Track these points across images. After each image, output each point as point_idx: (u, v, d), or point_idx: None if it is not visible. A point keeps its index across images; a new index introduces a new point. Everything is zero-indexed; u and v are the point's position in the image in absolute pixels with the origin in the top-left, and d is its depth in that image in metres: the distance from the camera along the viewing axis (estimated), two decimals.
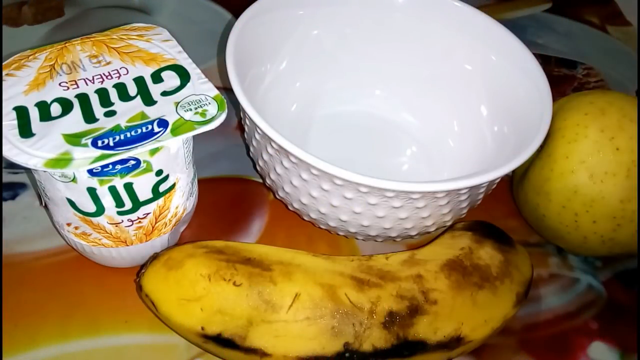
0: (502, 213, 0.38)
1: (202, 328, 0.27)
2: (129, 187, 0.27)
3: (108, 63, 0.29)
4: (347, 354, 0.27)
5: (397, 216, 0.30)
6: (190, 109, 0.27)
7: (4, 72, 0.28)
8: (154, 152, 0.26)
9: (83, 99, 0.27)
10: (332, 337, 0.27)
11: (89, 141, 0.25)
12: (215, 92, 0.28)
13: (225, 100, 0.28)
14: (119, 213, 0.28)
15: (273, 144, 0.29)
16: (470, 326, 0.28)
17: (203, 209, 0.35)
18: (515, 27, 0.37)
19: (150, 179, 0.27)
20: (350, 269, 0.29)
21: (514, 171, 0.35)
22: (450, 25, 0.37)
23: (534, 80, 0.34)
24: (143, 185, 0.27)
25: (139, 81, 0.28)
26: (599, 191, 0.31)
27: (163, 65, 0.29)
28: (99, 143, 0.25)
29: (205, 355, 0.30)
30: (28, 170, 0.36)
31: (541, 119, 0.31)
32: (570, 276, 0.35)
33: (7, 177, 0.36)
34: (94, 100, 0.27)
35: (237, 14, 0.34)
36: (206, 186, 0.37)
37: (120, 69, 0.29)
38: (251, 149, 0.34)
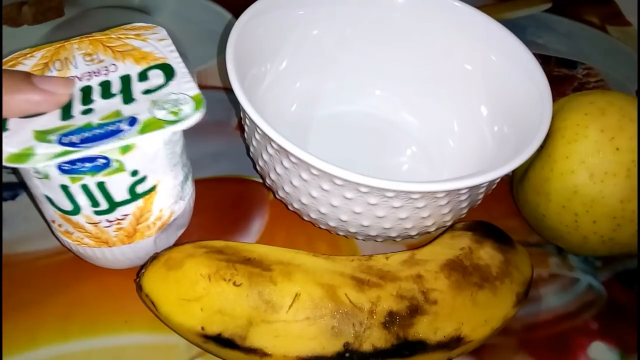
0: (502, 213, 0.38)
1: (202, 328, 0.27)
2: (101, 186, 0.26)
3: (100, 61, 0.29)
4: (347, 354, 0.27)
5: (397, 216, 0.30)
6: (165, 108, 0.27)
7: None
8: (124, 150, 0.26)
9: None
10: (332, 337, 0.27)
11: (55, 137, 0.25)
12: (196, 91, 0.28)
13: (203, 101, 0.27)
14: (96, 213, 0.27)
15: (273, 144, 0.29)
16: (470, 326, 0.28)
17: (203, 209, 0.35)
18: (515, 27, 0.37)
19: (125, 179, 0.27)
20: (350, 269, 0.29)
21: (514, 171, 0.35)
22: (450, 25, 0.37)
23: (534, 80, 0.34)
24: (117, 185, 0.27)
25: (125, 79, 0.28)
26: (599, 191, 0.31)
27: (152, 64, 0.29)
28: (65, 140, 0.25)
29: (205, 355, 0.30)
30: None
31: (541, 119, 0.31)
32: (570, 276, 0.35)
33: (7, 177, 0.36)
34: (77, 97, 0.27)
35: (237, 14, 0.34)
36: (206, 186, 0.37)
37: (110, 66, 0.29)
38: (251, 149, 0.34)
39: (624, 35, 0.53)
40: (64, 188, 0.26)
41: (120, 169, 0.26)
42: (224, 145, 0.40)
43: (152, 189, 0.28)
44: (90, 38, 0.30)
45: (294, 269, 0.28)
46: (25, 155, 0.25)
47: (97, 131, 0.26)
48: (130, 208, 0.28)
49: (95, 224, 0.28)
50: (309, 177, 0.29)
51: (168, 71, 0.29)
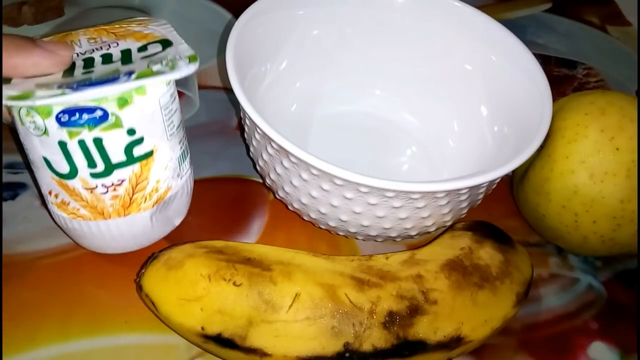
0: (502, 213, 0.38)
1: (202, 328, 0.27)
2: (98, 143, 0.27)
3: (103, 42, 0.30)
4: (347, 354, 0.27)
5: (397, 216, 0.30)
6: (161, 63, 0.27)
7: None
8: (122, 104, 0.26)
9: (69, 66, 0.28)
10: (332, 337, 0.27)
11: (56, 85, 0.26)
12: (191, 52, 0.28)
13: (197, 57, 0.28)
14: (92, 175, 0.27)
15: (273, 144, 0.29)
16: (470, 326, 0.28)
17: (203, 209, 0.35)
18: (515, 27, 0.37)
19: (122, 137, 0.27)
20: (350, 269, 0.29)
21: (514, 171, 0.35)
22: (450, 25, 0.37)
23: (534, 80, 0.34)
24: (114, 143, 0.27)
25: (125, 51, 0.29)
26: (599, 191, 0.31)
27: (152, 40, 0.29)
28: (64, 86, 0.26)
29: (205, 355, 0.30)
30: (28, 168, 0.36)
31: (541, 119, 0.31)
32: (570, 276, 0.35)
33: (7, 177, 0.36)
34: (79, 65, 0.28)
35: (237, 14, 0.34)
36: (206, 186, 0.37)
37: (112, 43, 0.29)
38: (251, 149, 0.34)
39: (624, 35, 0.53)
40: (62, 146, 0.26)
41: (117, 124, 0.26)
42: (224, 145, 0.40)
43: (150, 154, 0.28)
44: (94, 28, 0.31)
45: (294, 269, 0.28)
46: (25, 96, 0.25)
47: (96, 80, 0.26)
48: (127, 172, 0.28)
49: (91, 189, 0.28)
50: (309, 177, 0.29)
51: (166, 44, 0.29)
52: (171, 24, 0.48)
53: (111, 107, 0.26)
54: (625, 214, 0.31)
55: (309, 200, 0.31)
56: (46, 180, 0.28)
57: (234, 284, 0.27)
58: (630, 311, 0.34)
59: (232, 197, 0.37)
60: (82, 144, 0.26)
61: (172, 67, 0.27)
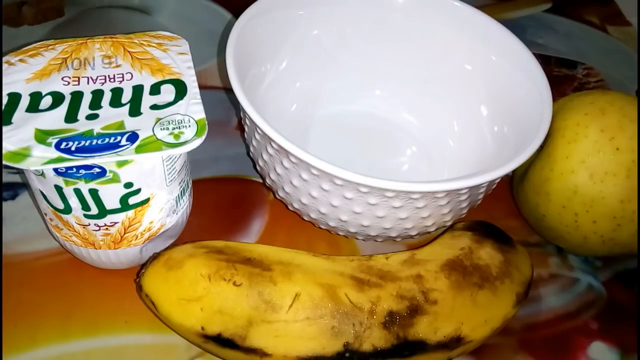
0: (502, 213, 0.38)
1: (202, 328, 0.27)
2: (94, 193, 0.27)
3: (118, 66, 0.29)
4: (347, 354, 0.27)
5: (397, 216, 0.30)
6: (167, 128, 0.27)
7: (18, 57, 0.29)
8: (121, 164, 0.26)
9: (76, 96, 0.27)
10: (332, 337, 0.27)
11: (55, 141, 0.25)
12: (201, 115, 0.27)
13: (206, 126, 0.27)
14: (86, 216, 0.28)
15: (273, 144, 0.29)
16: (470, 326, 0.28)
17: (203, 209, 0.35)
18: (515, 27, 0.37)
19: (118, 189, 0.27)
20: (350, 269, 0.29)
21: (514, 171, 0.35)
22: (450, 25, 0.37)
23: (534, 81, 0.34)
24: (110, 194, 0.27)
25: (137, 90, 0.28)
26: (599, 191, 0.31)
27: (167, 77, 0.29)
28: (63, 145, 0.25)
29: (205, 355, 0.30)
30: None
31: (541, 119, 0.31)
32: (570, 276, 0.35)
33: (7, 177, 0.36)
34: (86, 100, 0.27)
35: (237, 14, 0.34)
36: (206, 186, 0.37)
37: (126, 74, 0.29)
38: (251, 149, 0.34)
39: (624, 35, 0.53)
40: (58, 188, 0.26)
41: (115, 179, 0.26)
42: (224, 145, 0.40)
43: (145, 201, 0.28)
44: (113, 39, 0.30)
45: (294, 269, 0.28)
46: (21, 155, 0.25)
47: (96, 141, 0.26)
48: (120, 217, 0.28)
49: (84, 225, 0.28)
50: (309, 177, 0.29)
51: (180, 89, 0.29)
52: (171, 24, 0.48)
53: (110, 166, 0.26)
54: (625, 214, 0.31)
55: (309, 200, 0.31)
56: (43, 206, 0.29)
57: (234, 284, 0.27)
58: (630, 311, 0.34)
59: (232, 197, 0.37)
60: (77, 191, 0.26)
61: (177, 137, 0.26)
